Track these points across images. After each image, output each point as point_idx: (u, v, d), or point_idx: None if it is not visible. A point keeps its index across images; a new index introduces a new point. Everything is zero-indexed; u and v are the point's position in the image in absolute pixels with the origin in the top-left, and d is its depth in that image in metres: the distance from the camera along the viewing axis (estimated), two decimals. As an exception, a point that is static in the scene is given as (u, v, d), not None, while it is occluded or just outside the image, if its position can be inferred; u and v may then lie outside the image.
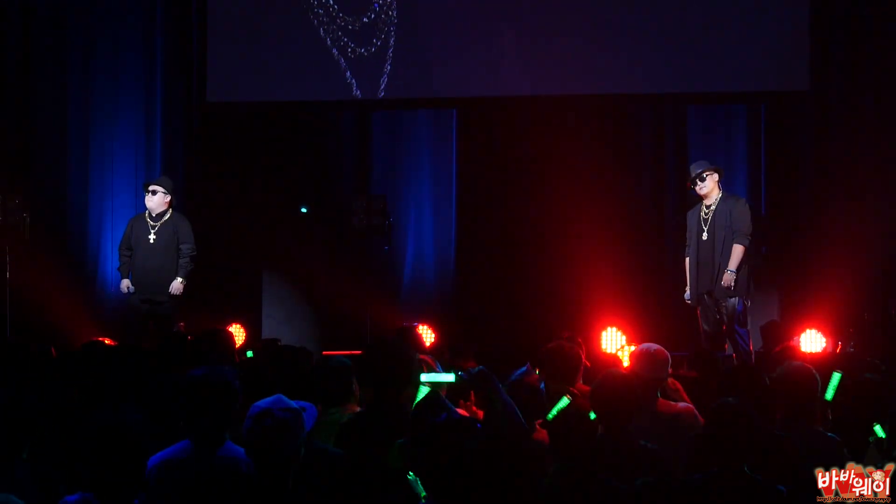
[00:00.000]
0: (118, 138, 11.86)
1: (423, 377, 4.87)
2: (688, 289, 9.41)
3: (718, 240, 9.18)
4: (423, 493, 3.95)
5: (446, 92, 11.56)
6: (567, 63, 11.07)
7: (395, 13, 11.51)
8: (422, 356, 5.81)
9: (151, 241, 9.88)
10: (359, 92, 11.63)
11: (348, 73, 11.56)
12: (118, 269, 10.14)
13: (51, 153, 11.82)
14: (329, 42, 11.54)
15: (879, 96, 10.79)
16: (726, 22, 10.95)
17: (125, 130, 11.86)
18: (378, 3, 11.55)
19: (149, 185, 10.05)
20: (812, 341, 9.78)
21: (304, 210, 11.83)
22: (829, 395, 4.97)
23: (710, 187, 9.27)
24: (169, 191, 9.98)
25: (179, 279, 9.85)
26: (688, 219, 9.55)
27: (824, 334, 9.85)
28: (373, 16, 11.55)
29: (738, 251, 9.09)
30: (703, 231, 9.27)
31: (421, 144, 12.14)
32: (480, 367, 4.71)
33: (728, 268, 9.06)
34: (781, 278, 10.74)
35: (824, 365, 5.93)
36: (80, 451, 3.83)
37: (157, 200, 9.92)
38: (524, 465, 4.46)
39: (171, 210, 9.99)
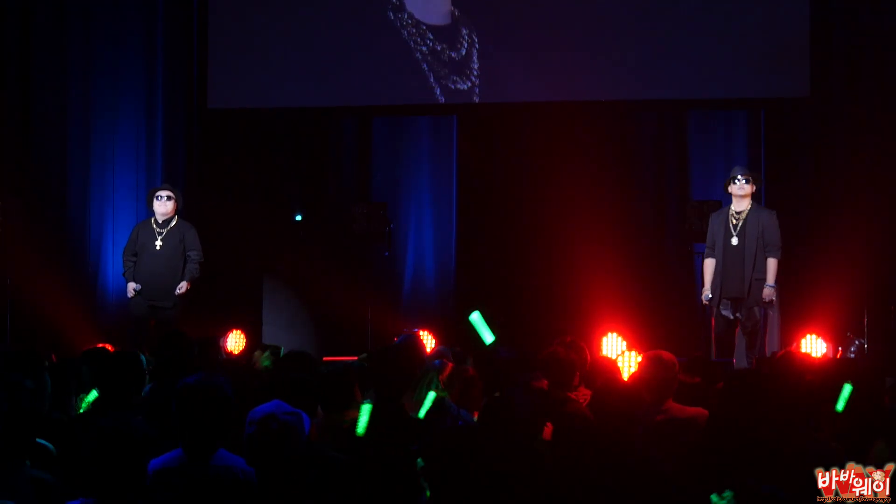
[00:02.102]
0: (119, 144, 11.86)
1: (474, 315, 4.91)
2: (707, 290, 9.39)
3: (749, 249, 9.20)
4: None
5: (447, 98, 11.57)
6: (567, 69, 11.08)
7: (402, 19, 11.55)
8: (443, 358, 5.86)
9: (158, 247, 9.89)
10: (360, 99, 11.67)
11: (349, 80, 11.58)
12: (123, 274, 10.12)
13: (51, 159, 11.82)
14: (330, 48, 11.55)
15: (879, 102, 10.79)
16: (727, 28, 10.96)
17: (126, 136, 11.87)
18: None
19: (163, 191, 10.01)
20: (812, 346, 9.78)
21: (298, 218, 11.82)
22: (840, 406, 4.92)
23: (748, 191, 9.28)
24: (178, 197, 10.01)
25: (185, 282, 9.87)
26: (711, 221, 9.51)
27: (824, 339, 9.85)
28: (375, 21, 11.59)
29: (774, 265, 9.21)
30: (733, 236, 9.27)
31: (421, 151, 12.15)
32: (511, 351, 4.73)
33: (768, 283, 9.17)
34: (781, 283, 10.72)
35: (825, 369, 5.92)
36: (83, 456, 3.82)
37: (171, 206, 9.93)
38: (527, 472, 4.46)
39: (176, 217, 10.01)
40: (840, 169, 10.88)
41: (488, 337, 5.19)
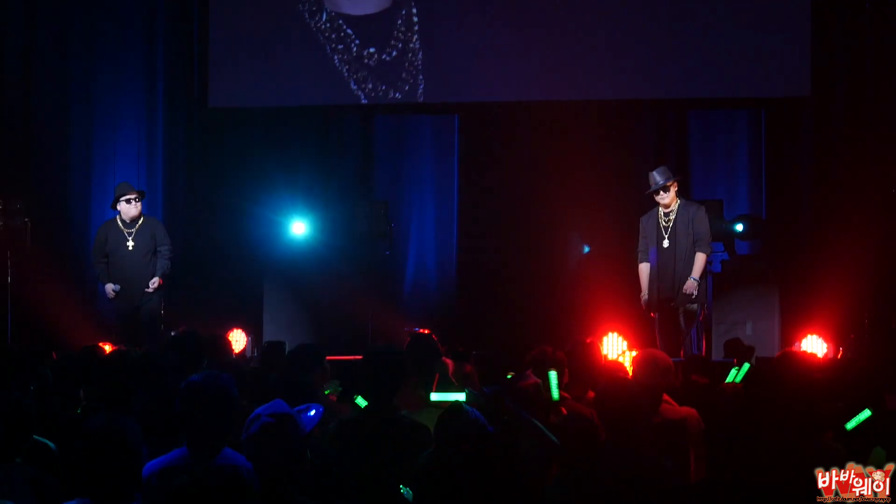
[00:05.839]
0: (120, 144, 11.88)
1: (434, 396, 4.93)
2: (645, 293, 9.39)
3: (680, 248, 9.20)
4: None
5: (449, 97, 11.57)
6: (569, 69, 11.09)
7: (402, 20, 11.55)
8: (444, 358, 5.86)
9: (130, 247, 9.85)
10: (361, 97, 11.67)
11: (351, 79, 11.58)
12: (98, 277, 10.07)
13: (53, 159, 11.84)
14: (330, 47, 11.55)
15: (880, 102, 10.80)
16: (728, 28, 10.97)
17: (127, 136, 11.88)
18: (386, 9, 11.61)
19: (132, 193, 9.88)
20: (813, 347, 9.77)
21: (300, 227, 11.77)
22: (851, 425, 4.87)
23: (671, 197, 9.28)
24: (142, 196, 9.99)
25: (157, 278, 9.82)
26: (643, 224, 9.46)
27: (825, 340, 9.84)
28: (379, 22, 11.59)
29: (701, 259, 9.18)
30: (664, 238, 9.27)
31: (423, 150, 12.15)
32: (495, 387, 4.74)
33: (692, 276, 9.13)
34: (782, 283, 10.72)
35: (826, 370, 5.92)
36: (76, 456, 3.80)
37: (139, 207, 9.90)
38: (527, 471, 4.47)
39: (141, 215, 9.97)
40: (841, 168, 10.89)
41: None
